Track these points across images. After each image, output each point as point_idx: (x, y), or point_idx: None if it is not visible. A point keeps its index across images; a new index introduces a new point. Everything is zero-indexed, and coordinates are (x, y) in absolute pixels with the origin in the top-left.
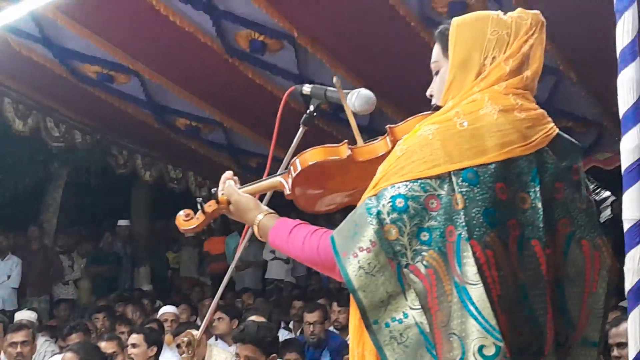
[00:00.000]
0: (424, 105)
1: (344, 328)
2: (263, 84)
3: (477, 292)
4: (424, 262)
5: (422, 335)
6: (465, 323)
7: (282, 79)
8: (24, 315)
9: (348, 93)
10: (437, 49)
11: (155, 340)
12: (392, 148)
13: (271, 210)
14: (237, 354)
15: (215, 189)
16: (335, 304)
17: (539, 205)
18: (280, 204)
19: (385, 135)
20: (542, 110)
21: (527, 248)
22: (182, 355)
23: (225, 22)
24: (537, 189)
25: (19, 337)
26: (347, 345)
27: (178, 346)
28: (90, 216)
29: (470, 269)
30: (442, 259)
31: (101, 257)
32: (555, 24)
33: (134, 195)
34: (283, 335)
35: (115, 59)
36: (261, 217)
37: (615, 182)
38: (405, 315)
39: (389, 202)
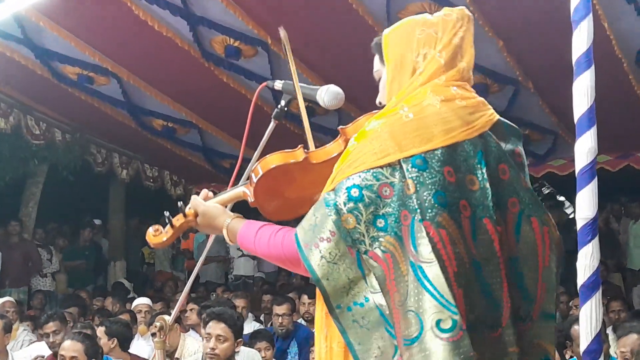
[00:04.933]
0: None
1: (314, 319)
2: (237, 88)
3: (432, 270)
4: (382, 248)
5: (382, 317)
6: (422, 300)
7: (256, 84)
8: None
9: (318, 89)
10: (376, 60)
11: (117, 333)
12: (345, 148)
13: (238, 215)
14: (207, 334)
15: (182, 203)
16: (305, 296)
17: (487, 185)
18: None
19: (338, 136)
20: (481, 99)
21: (480, 227)
22: (155, 340)
23: (201, 27)
24: (484, 170)
25: None
26: (314, 336)
27: (153, 335)
28: (68, 212)
29: (425, 249)
30: (398, 243)
31: (76, 253)
32: (514, 36)
33: (111, 193)
34: (254, 327)
35: (95, 61)
36: (229, 221)
37: (569, 187)
38: (366, 299)
39: (345, 192)
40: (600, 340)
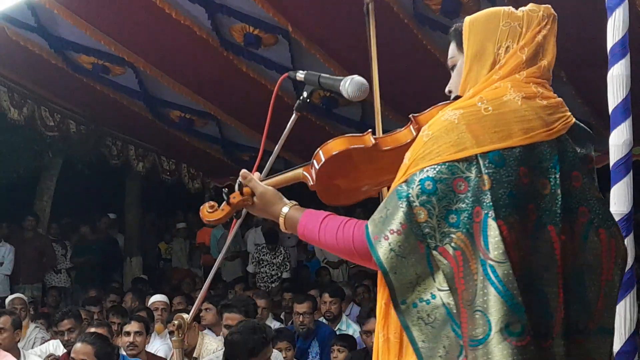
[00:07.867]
0: (414, 101)
1: (335, 318)
2: (257, 78)
3: (503, 270)
4: (452, 244)
5: (449, 316)
6: (490, 300)
7: (276, 73)
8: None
9: (341, 79)
10: (452, 46)
11: (149, 329)
12: (417, 136)
13: (295, 202)
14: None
15: (240, 180)
16: (326, 295)
17: (559, 191)
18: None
19: (409, 123)
20: (560, 99)
21: (543, 233)
22: (172, 339)
23: (220, 15)
24: (557, 175)
25: None
26: (336, 335)
27: (171, 333)
28: (83, 206)
29: (497, 247)
30: (469, 240)
31: (84, 248)
32: None
33: (127, 186)
34: (274, 325)
35: (110, 50)
36: (287, 210)
37: (602, 181)
38: (433, 297)
39: (418, 185)
40: (634, 341)
